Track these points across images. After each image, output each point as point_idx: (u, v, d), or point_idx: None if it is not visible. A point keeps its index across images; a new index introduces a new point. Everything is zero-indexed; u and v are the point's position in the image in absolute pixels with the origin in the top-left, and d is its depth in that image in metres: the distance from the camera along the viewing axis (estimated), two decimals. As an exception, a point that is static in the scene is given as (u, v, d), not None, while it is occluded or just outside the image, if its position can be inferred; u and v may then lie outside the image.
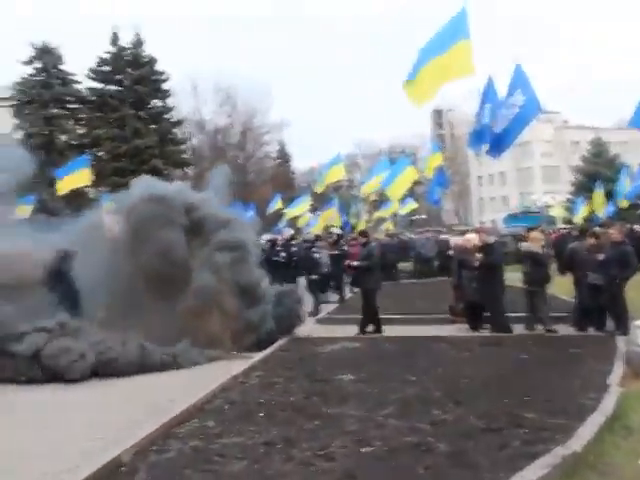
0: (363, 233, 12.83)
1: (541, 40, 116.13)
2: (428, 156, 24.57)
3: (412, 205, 33.06)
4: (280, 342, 10.46)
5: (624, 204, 26.78)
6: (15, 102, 39.33)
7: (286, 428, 6.02)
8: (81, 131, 40.59)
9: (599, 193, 28.17)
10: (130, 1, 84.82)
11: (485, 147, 12.24)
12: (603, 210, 27.54)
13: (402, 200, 31.17)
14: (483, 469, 4.73)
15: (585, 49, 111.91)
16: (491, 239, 11.45)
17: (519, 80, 11.49)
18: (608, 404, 6.18)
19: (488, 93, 11.78)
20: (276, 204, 31.99)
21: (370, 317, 11.54)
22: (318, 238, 18.36)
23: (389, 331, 11.31)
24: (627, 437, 5.63)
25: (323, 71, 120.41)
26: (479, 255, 10.94)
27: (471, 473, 4.68)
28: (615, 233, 10.98)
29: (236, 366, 8.79)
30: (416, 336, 10.42)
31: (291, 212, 33.84)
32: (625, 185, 26.55)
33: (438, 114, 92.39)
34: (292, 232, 29.45)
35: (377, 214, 39.47)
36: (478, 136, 12.13)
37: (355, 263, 11.86)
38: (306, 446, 5.47)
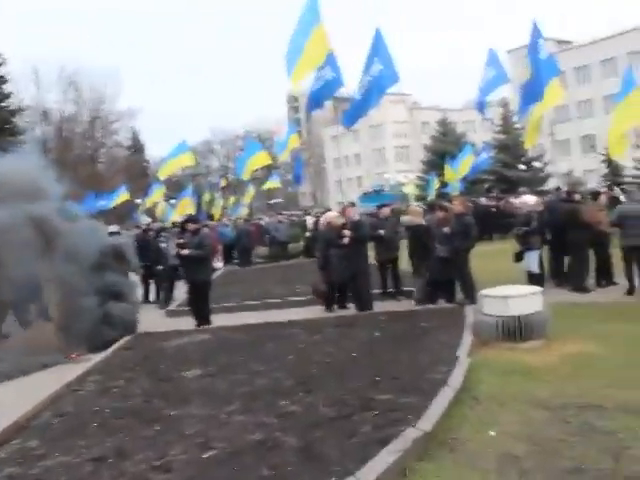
0: (192, 220, 11.89)
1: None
2: (286, 139, 24.33)
3: (274, 183, 32.69)
4: (123, 340, 9.70)
5: (452, 176, 28.01)
6: None
7: (121, 438, 5.41)
8: None
9: (449, 168, 29.13)
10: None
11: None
12: (456, 184, 28.54)
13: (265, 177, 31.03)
14: (332, 462, 4.39)
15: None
16: (357, 216, 11.53)
17: (379, 47, 11.66)
18: (456, 377, 6.07)
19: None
20: (121, 195, 30.51)
21: (203, 310, 11.09)
22: (163, 228, 17.54)
23: (242, 319, 10.87)
24: (474, 407, 5.54)
25: (175, 58, 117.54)
26: (348, 232, 10.77)
27: (319, 467, 4.32)
28: (457, 205, 11.17)
29: (71, 372, 8.00)
30: (267, 322, 10.00)
31: (148, 201, 32.65)
32: (462, 161, 27.75)
33: (294, 98, 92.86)
34: (149, 220, 28.28)
35: (232, 199, 38.90)
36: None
37: (185, 252, 10.96)
38: (141, 457, 4.90)
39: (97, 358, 8.72)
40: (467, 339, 7.55)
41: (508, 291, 8.04)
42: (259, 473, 4.35)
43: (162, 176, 27.78)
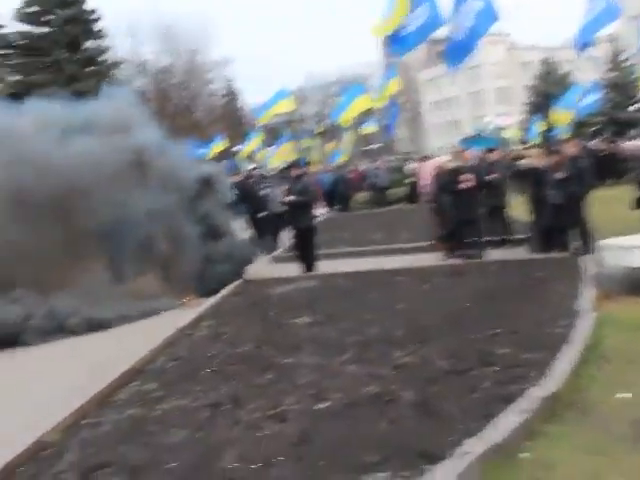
0: (295, 165, 11.72)
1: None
2: (384, 83, 23.69)
3: (372, 128, 32.18)
4: (231, 286, 9.81)
5: (561, 118, 26.36)
6: None
7: (234, 385, 5.43)
8: (14, 78, 38.32)
9: (558, 109, 27.59)
10: None
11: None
12: (566, 127, 27.06)
13: (360, 123, 30.58)
14: (452, 419, 4.20)
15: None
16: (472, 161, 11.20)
17: None
18: (581, 332, 5.70)
19: None
20: (219, 144, 30.87)
21: (309, 257, 10.97)
22: (265, 176, 17.59)
23: (346, 265, 10.78)
24: (603, 366, 5.16)
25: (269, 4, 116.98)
26: (469, 176, 10.33)
27: (439, 425, 4.14)
28: (571, 147, 10.49)
29: (183, 317, 8.16)
30: (373, 270, 9.85)
31: (246, 149, 32.94)
32: (571, 101, 26.12)
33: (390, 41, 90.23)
34: (254, 165, 28.54)
35: (330, 145, 38.67)
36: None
37: (289, 198, 10.88)
38: (255, 405, 4.89)
39: (208, 303, 8.85)
40: (589, 291, 7.10)
41: (633, 241, 7.48)
42: (377, 427, 4.22)
43: (263, 122, 27.92)
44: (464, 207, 10.32)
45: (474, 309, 6.98)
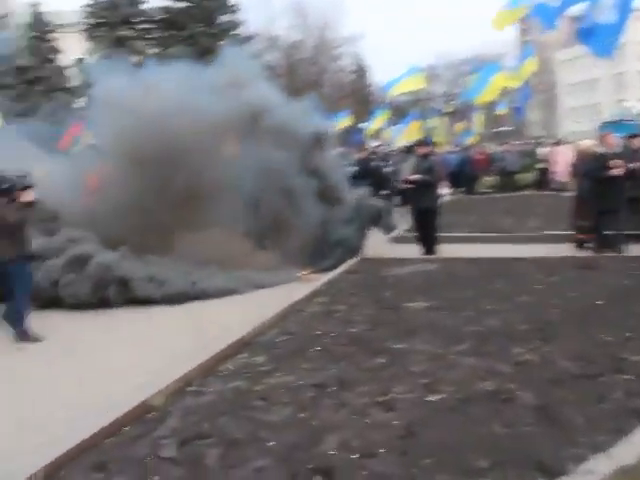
0: (422, 143, 11.19)
1: None
2: (520, 63, 22.62)
3: (504, 110, 31.03)
4: (348, 263, 9.66)
5: None
6: (85, 26, 39.01)
7: (343, 366, 5.26)
8: (152, 51, 39.90)
9: None
10: None
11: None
12: None
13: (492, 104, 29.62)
14: (576, 429, 3.81)
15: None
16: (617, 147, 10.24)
17: None
18: None
19: None
20: (344, 119, 30.70)
21: (430, 239, 10.56)
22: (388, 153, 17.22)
23: (468, 250, 10.34)
24: None
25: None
26: (620, 162, 9.49)
27: (561, 434, 3.77)
28: None
29: (298, 291, 8.09)
30: (498, 257, 9.37)
31: (372, 126, 32.71)
32: None
33: (524, 19, 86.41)
34: (378, 143, 28.26)
35: (459, 126, 37.64)
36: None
37: (414, 177, 10.42)
38: (363, 390, 4.69)
39: (323, 279, 8.75)
40: None
41: None
42: (491, 429, 3.91)
43: (391, 96, 27.60)
44: (608, 196, 9.48)
45: (606, 308, 6.42)
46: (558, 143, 21.66)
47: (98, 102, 10.31)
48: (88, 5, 38.99)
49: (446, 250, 10.54)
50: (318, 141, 10.90)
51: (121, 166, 9.59)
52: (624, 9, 9.74)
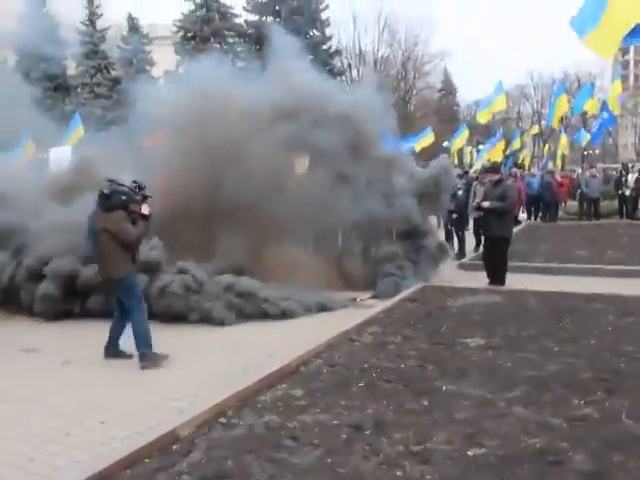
0: (494, 169, 10.61)
1: None
2: (611, 85, 21.81)
3: (585, 137, 29.88)
4: (409, 290, 9.29)
5: None
6: (177, 40, 40.15)
7: (384, 407, 4.92)
8: (239, 64, 40.62)
9: None
10: None
11: None
12: None
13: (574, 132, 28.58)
14: (633, 503, 3.37)
15: None
16: None
17: None
18: None
19: None
20: (426, 137, 30.21)
21: (498, 268, 9.96)
22: (462, 174, 16.67)
23: (539, 283, 9.79)
24: None
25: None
26: None
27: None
28: None
29: (351, 319, 7.79)
30: (569, 292, 8.80)
31: (454, 145, 32.17)
32: None
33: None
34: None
35: (546, 147, 36.57)
36: None
37: (486, 204, 9.84)
38: (400, 436, 4.35)
39: (380, 307, 8.42)
40: None
41: None
42: (534, 495, 3.50)
43: (482, 119, 27.34)
44: None
45: (684, 358, 5.83)
46: None
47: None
48: (180, 19, 40.18)
49: (516, 281, 10.00)
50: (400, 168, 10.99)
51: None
52: None
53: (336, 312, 8.89)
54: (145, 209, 6.77)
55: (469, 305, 8.36)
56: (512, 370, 5.67)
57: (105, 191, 6.57)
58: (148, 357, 6.62)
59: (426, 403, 4.98)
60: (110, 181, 6.69)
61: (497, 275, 9.90)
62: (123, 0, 47.24)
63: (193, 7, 40.27)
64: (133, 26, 41.33)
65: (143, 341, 6.64)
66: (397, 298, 8.86)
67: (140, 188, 6.80)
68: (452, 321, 7.54)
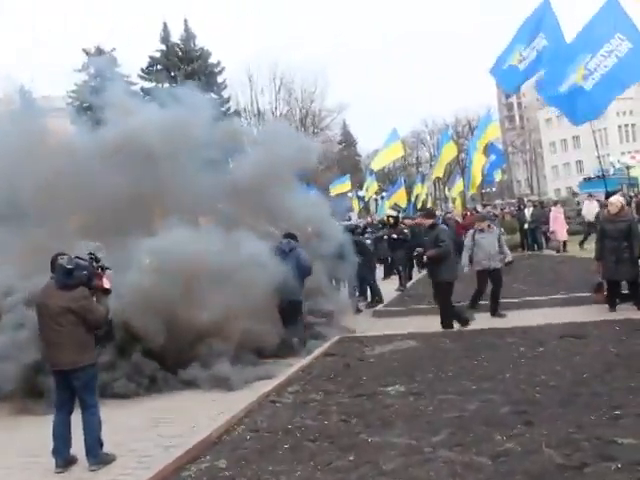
0: (429, 214, 10.75)
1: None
2: (482, 131, 22.97)
3: (458, 182, 31.20)
4: (326, 344, 9.26)
5: None
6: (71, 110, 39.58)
7: (311, 467, 4.82)
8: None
9: None
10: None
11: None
12: None
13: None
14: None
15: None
16: None
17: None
18: None
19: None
20: (342, 184, 30.80)
21: (445, 313, 9.87)
22: (368, 225, 17.03)
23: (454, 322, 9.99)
24: None
25: (382, 51, 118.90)
26: None
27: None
28: None
29: (272, 378, 7.69)
30: (481, 329, 9.02)
31: (366, 195, 32.98)
32: None
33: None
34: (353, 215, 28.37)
35: (446, 192, 37.95)
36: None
37: (430, 252, 9.62)
38: (330, 497, 4.27)
39: (298, 364, 8.33)
40: None
41: None
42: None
43: (375, 167, 27.98)
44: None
45: (593, 381, 6.05)
46: (557, 203, 21.93)
47: None
48: (73, 90, 39.67)
49: (431, 322, 10.15)
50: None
51: None
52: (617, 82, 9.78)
53: (256, 371, 8.69)
54: (106, 283, 6.06)
55: (387, 353, 8.41)
56: (434, 414, 5.71)
57: (68, 266, 5.73)
58: (100, 459, 5.76)
59: (353, 458, 4.92)
60: (64, 254, 5.94)
61: (443, 318, 9.83)
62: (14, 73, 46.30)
63: (87, 77, 39.90)
64: (25, 99, 40.38)
65: (98, 443, 5.77)
66: (315, 353, 8.80)
67: (97, 260, 6.11)
68: (371, 371, 7.56)
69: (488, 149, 22.73)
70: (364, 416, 5.90)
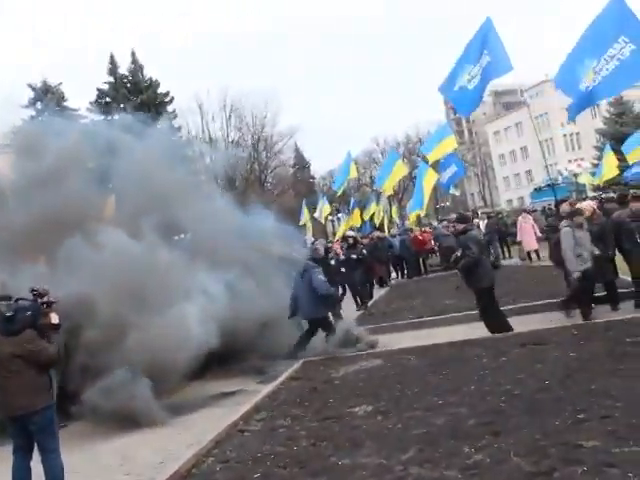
0: (462, 218, 10.46)
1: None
2: (437, 144, 23.30)
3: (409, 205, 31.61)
4: (291, 368, 9.22)
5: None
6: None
7: (283, 496, 4.79)
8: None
9: (610, 154, 26.14)
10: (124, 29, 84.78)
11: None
12: (615, 172, 25.62)
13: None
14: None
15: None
16: None
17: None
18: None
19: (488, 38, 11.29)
20: (305, 214, 31.19)
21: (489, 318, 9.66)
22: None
23: (418, 338, 10.06)
24: None
25: (332, 73, 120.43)
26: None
27: None
28: None
29: (239, 407, 7.61)
30: (444, 343, 9.08)
31: (322, 217, 33.21)
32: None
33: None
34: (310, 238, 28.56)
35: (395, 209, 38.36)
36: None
37: (460, 265, 9.49)
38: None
39: (264, 391, 8.27)
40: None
41: None
42: None
43: (340, 192, 28.58)
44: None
45: (555, 387, 6.12)
46: (524, 211, 21.96)
47: None
48: (20, 127, 39.06)
49: (396, 340, 10.24)
50: None
51: None
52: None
53: (223, 402, 8.62)
54: (54, 318, 5.92)
55: (352, 373, 8.42)
56: (402, 431, 5.72)
57: (7, 314, 5.50)
58: None
59: (324, 482, 4.90)
60: (5, 298, 5.69)
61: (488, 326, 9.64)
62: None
63: (34, 113, 39.29)
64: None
65: None
66: (280, 379, 8.75)
67: (41, 295, 5.97)
68: (338, 393, 7.55)
69: (447, 160, 22.99)
70: (333, 439, 5.88)
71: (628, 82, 10.03)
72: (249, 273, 10.87)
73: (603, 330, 8.19)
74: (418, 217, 31.76)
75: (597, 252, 9.44)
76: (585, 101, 10.48)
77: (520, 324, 9.52)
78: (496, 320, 9.43)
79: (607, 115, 43.23)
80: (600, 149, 38.16)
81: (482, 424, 5.46)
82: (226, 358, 10.00)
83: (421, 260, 22.55)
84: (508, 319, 9.51)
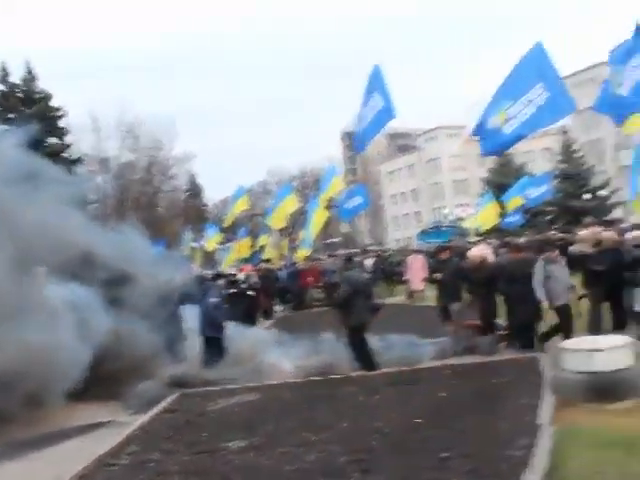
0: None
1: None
2: (329, 183, 23.75)
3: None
4: (166, 400, 8.97)
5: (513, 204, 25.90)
6: None
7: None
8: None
9: (492, 204, 27.55)
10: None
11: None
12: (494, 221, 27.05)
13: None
14: None
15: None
16: None
17: (377, 83, 11.16)
18: (541, 454, 5.08)
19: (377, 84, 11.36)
20: (188, 238, 30.76)
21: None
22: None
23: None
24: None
25: (233, 103, 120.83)
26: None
27: None
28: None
29: (108, 439, 7.31)
30: (321, 379, 9.15)
31: (208, 245, 32.89)
32: (522, 188, 25.99)
33: (348, 136, 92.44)
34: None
35: (284, 242, 38.46)
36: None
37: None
38: None
39: (137, 422, 8.01)
40: (548, 402, 6.51)
41: (594, 343, 6.98)
42: None
43: (227, 223, 28.60)
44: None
45: (424, 426, 6.33)
46: (414, 252, 22.35)
47: None
48: None
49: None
50: None
51: None
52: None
53: (90, 434, 8.24)
54: None
55: (229, 407, 8.32)
56: (273, 468, 5.71)
57: None
58: None
59: (191, 520, 4.79)
60: None
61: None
62: None
63: None
64: None
65: None
66: (154, 411, 8.49)
67: None
68: (212, 426, 7.44)
69: (353, 191, 23.32)
70: (204, 474, 5.80)
71: (539, 125, 10.33)
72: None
73: (472, 371, 8.54)
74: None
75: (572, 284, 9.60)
76: (497, 141, 10.48)
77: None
78: (365, 358, 9.67)
79: (492, 165, 45.53)
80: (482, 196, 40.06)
81: (353, 461, 5.54)
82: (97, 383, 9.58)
83: (307, 293, 22.71)
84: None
